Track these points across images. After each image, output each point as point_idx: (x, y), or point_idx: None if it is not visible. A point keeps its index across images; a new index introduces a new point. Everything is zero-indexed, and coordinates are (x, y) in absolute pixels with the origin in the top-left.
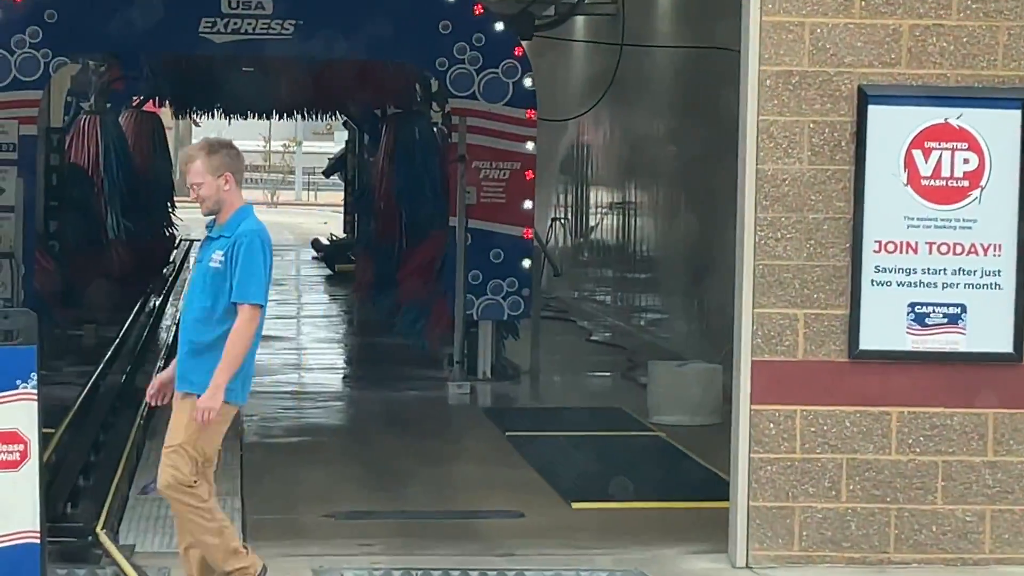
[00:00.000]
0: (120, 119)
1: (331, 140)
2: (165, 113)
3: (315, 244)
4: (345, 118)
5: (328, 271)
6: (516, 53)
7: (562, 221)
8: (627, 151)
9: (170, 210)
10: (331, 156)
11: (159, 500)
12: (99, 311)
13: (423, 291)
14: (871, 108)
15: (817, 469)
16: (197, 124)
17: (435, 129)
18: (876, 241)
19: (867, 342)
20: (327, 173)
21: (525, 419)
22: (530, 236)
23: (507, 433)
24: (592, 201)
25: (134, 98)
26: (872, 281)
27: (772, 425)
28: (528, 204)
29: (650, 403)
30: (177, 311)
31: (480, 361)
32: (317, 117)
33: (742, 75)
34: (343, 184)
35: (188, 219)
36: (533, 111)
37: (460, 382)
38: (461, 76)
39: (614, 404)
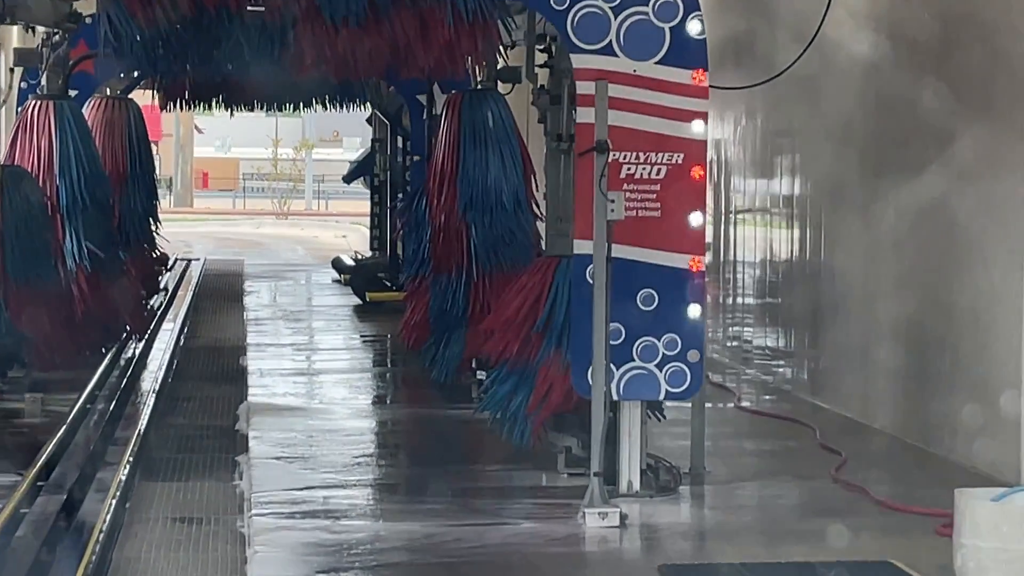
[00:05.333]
0: (85, 108)
1: (340, 147)
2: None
3: (337, 264)
4: (375, 111)
5: (355, 299)
6: None
7: None
8: (780, 138)
9: (153, 225)
10: (352, 160)
11: None
12: (52, 370)
13: (522, 349)
14: None
15: None
16: (199, 130)
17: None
18: None
19: None
20: (348, 179)
21: None
22: (700, 269)
23: None
24: (718, 206)
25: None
26: None
27: None
28: (697, 219)
29: (964, 563)
30: (162, 362)
31: (624, 465)
32: (340, 107)
33: None
34: (368, 191)
35: (181, 233)
36: (703, 72)
37: (602, 508)
38: (590, 19)
39: (868, 550)
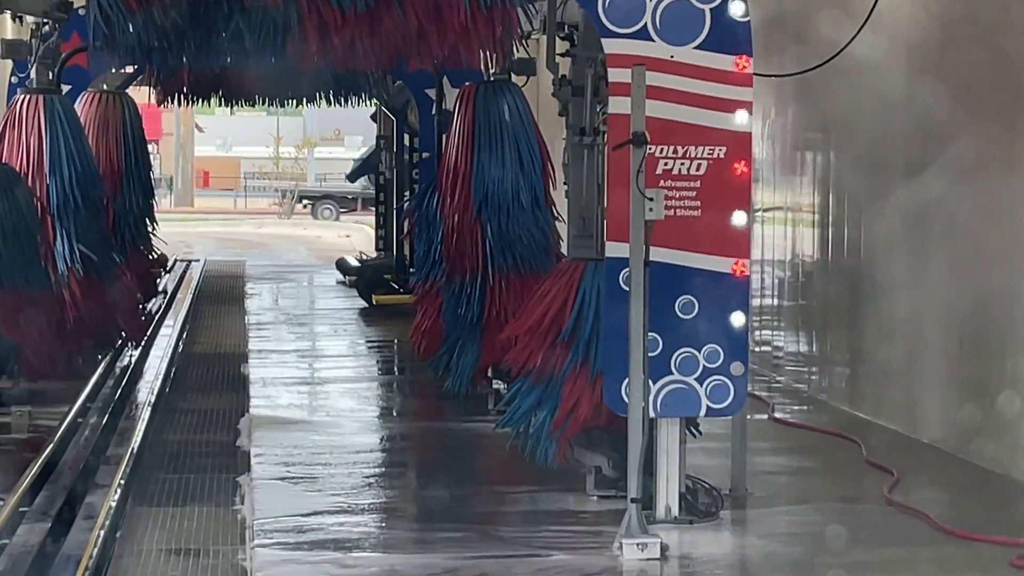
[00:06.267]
0: (78, 103)
1: (341, 145)
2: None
3: (341, 265)
4: (380, 107)
5: (361, 302)
6: None
7: None
8: (814, 131)
9: (150, 226)
10: (355, 158)
11: None
12: (41, 380)
13: (547, 359)
14: None
15: None
16: (200, 129)
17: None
18: None
19: None
20: (352, 177)
21: None
22: (744, 274)
23: None
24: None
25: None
26: None
27: None
28: (740, 218)
29: None
30: (159, 371)
31: (661, 489)
32: (343, 102)
33: None
34: (373, 190)
35: (181, 234)
36: (747, 58)
37: (641, 539)
38: (624, 0)
39: None
